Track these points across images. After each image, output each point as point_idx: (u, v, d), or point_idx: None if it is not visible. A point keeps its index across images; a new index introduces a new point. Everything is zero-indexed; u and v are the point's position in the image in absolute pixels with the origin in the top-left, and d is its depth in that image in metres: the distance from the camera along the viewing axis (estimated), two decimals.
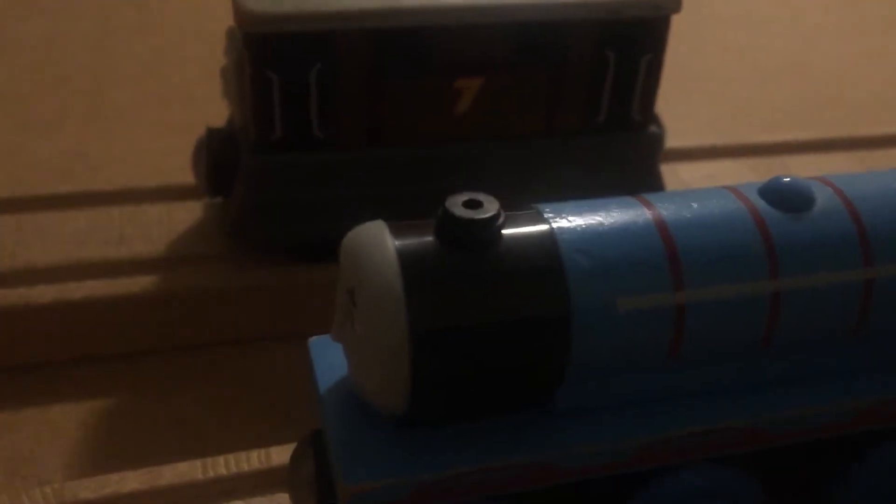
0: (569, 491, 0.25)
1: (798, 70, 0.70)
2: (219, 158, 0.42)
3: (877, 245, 0.25)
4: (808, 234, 0.24)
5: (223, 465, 0.31)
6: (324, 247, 0.37)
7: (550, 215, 0.23)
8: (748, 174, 0.52)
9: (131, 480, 0.30)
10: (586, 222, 0.23)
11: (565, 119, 0.42)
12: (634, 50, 0.41)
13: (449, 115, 0.40)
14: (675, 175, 0.50)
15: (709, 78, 0.68)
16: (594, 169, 0.42)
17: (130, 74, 0.63)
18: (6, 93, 0.59)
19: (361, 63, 0.38)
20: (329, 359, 0.26)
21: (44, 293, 0.39)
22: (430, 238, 0.22)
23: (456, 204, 0.22)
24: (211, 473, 0.31)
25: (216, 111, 0.45)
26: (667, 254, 0.23)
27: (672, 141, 0.48)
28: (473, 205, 0.22)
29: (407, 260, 0.22)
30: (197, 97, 0.59)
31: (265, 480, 0.31)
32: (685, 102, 0.62)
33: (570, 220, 0.23)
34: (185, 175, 0.45)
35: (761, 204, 0.24)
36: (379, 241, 0.22)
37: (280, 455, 0.31)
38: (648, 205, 0.24)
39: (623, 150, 0.43)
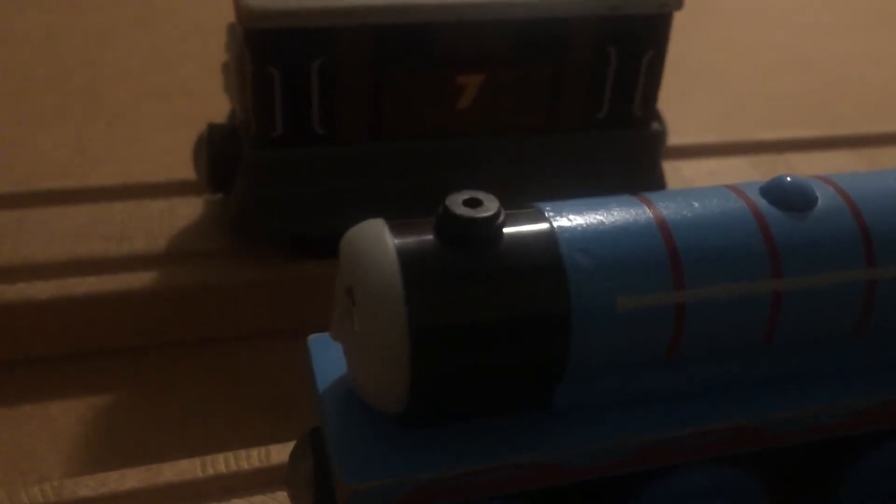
0: (569, 491, 0.24)
1: (801, 67, 0.70)
2: (220, 154, 0.42)
3: (879, 245, 0.24)
4: (810, 233, 0.24)
5: (223, 463, 0.31)
6: (325, 242, 0.37)
7: (551, 214, 0.23)
8: (750, 171, 0.52)
9: (131, 478, 0.30)
10: (587, 221, 0.23)
11: (567, 115, 0.41)
12: (636, 47, 0.40)
13: (450, 111, 0.40)
14: (677, 172, 0.50)
15: (711, 75, 0.68)
16: (596, 166, 0.42)
17: (131, 69, 0.62)
18: (7, 87, 0.59)
19: (363, 59, 0.38)
20: (328, 357, 0.26)
21: (44, 289, 0.39)
22: (429, 237, 0.22)
23: (456, 202, 0.22)
24: (210, 471, 0.31)
25: (217, 106, 0.45)
26: (667, 253, 0.23)
27: (674, 138, 0.47)
28: (474, 203, 0.22)
29: (406, 258, 0.22)
30: (198, 92, 0.59)
31: (265, 478, 0.31)
32: (687, 99, 0.62)
33: (570, 219, 0.23)
34: (186, 171, 0.45)
35: (763, 203, 0.24)
36: (378, 240, 0.22)
37: (280, 453, 0.31)
38: (649, 204, 0.24)
39: (625, 147, 0.43)
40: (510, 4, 0.38)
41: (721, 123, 0.61)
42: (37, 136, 0.54)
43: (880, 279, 0.24)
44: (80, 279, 0.39)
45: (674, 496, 0.25)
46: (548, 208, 0.24)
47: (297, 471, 0.25)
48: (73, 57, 0.63)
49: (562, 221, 0.23)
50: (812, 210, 0.24)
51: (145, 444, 0.36)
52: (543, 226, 0.23)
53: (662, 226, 0.23)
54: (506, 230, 0.23)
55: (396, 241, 0.22)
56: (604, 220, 0.23)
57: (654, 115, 0.43)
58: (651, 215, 0.24)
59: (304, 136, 0.39)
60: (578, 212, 0.23)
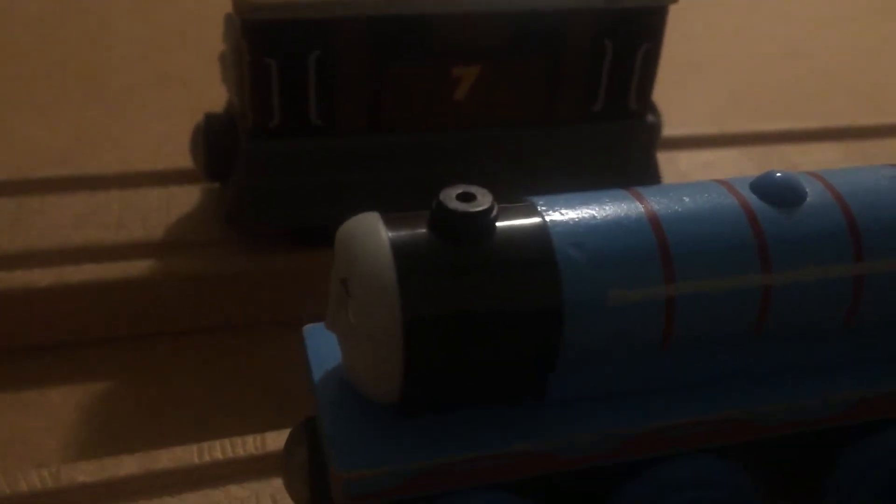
0: (561, 480, 0.25)
1: (797, 58, 0.70)
2: (217, 143, 0.42)
3: (867, 240, 0.25)
4: (799, 228, 0.24)
5: (219, 450, 0.31)
6: (321, 232, 0.38)
7: (544, 208, 0.24)
8: (746, 163, 0.52)
9: (128, 464, 0.31)
10: (579, 215, 0.23)
11: (563, 107, 0.42)
12: (632, 39, 0.41)
13: (447, 103, 0.40)
14: (672, 164, 0.50)
15: (707, 66, 0.68)
16: (591, 157, 0.43)
17: (130, 58, 0.62)
18: (5, 75, 0.59)
19: (360, 50, 0.38)
20: (324, 346, 0.26)
21: (42, 277, 0.39)
22: (423, 230, 0.23)
23: (450, 196, 0.23)
24: (207, 458, 0.31)
25: (215, 96, 0.45)
26: (658, 247, 0.23)
27: (669, 129, 0.48)
28: (467, 197, 0.23)
29: (400, 251, 0.22)
30: (196, 81, 0.59)
31: (261, 466, 0.31)
32: (683, 91, 0.62)
33: (563, 214, 0.23)
34: (183, 160, 0.45)
35: (753, 198, 0.25)
36: (373, 233, 0.22)
37: (276, 440, 0.31)
38: (641, 198, 0.24)
39: (620, 139, 0.43)
40: None
41: (716, 115, 0.61)
42: (34, 124, 0.54)
43: (868, 274, 0.25)
44: (77, 267, 0.40)
45: (664, 487, 0.25)
46: (541, 202, 0.24)
47: (291, 460, 0.25)
48: (71, 45, 0.63)
49: (554, 216, 0.23)
50: (801, 205, 0.25)
51: (142, 430, 0.36)
52: (536, 220, 0.23)
53: (654, 220, 0.24)
54: (499, 224, 0.23)
55: (391, 234, 0.22)
56: (596, 214, 0.24)
57: (650, 107, 0.43)
58: (642, 210, 0.24)
59: (300, 127, 0.39)
60: (571, 206, 0.24)
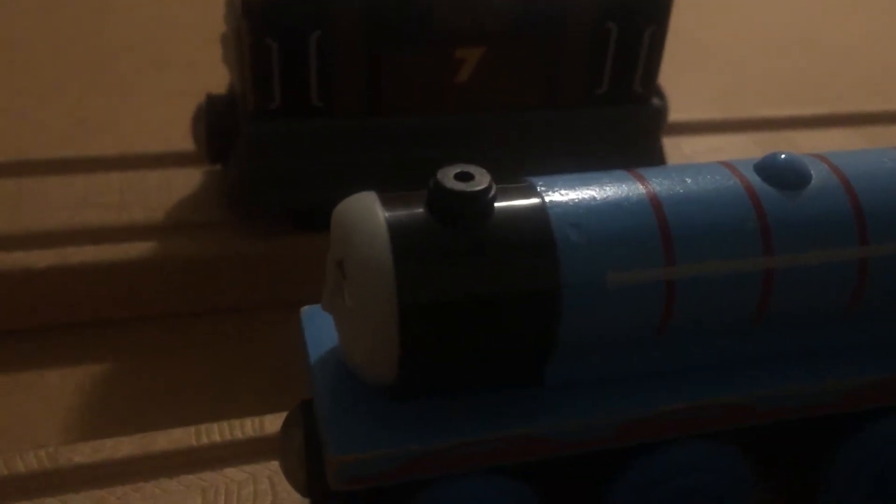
0: (558, 464, 0.25)
1: (804, 44, 0.70)
2: (218, 125, 0.42)
3: (872, 223, 0.24)
4: (804, 211, 0.24)
5: (217, 432, 0.31)
6: (321, 215, 0.37)
7: (543, 189, 0.23)
8: (752, 148, 0.52)
9: (126, 445, 0.31)
10: (579, 196, 0.23)
11: (567, 90, 0.41)
12: (637, 22, 0.40)
13: (449, 85, 0.40)
14: (677, 148, 0.50)
15: (713, 51, 0.67)
16: (595, 141, 0.42)
17: (131, 40, 0.62)
18: (7, 57, 0.59)
19: (360, 31, 0.38)
20: (321, 328, 0.26)
21: (42, 258, 0.39)
22: (420, 210, 0.22)
23: (447, 176, 0.22)
24: (205, 440, 0.31)
25: (217, 77, 0.45)
26: (659, 229, 0.23)
27: (675, 114, 0.47)
28: (465, 177, 0.22)
29: (397, 231, 0.22)
30: (198, 63, 0.59)
31: (259, 448, 0.31)
32: (689, 75, 0.62)
33: (562, 194, 0.23)
34: (185, 141, 0.45)
35: (757, 180, 0.24)
36: (369, 213, 0.22)
37: (274, 423, 0.31)
38: (642, 179, 0.24)
39: (625, 123, 0.42)
40: None
41: (723, 100, 0.61)
42: (36, 106, 0.54)
43: (873, 257, 0.24)
44: (77, 248, 0.40)
45: (663, 471, 0.25)
46: (540, 183, 0.24)
47: (288, 442, 0.25)
48: (73, 27, 0.63)
49: (553, 196, 0.23)
50: (806, 187, 0.24)
51: (140, 412, 0.36)
52: (535, 200, 0.23)
53: (654, 202, 0.23)
54: (497, 204, 0.23)
55: (387, 214, 0.22)
56: (595, 195, 0.23)
57: (655, 91, 0.43)
58: (643, 191, 0.23)
59: (301, 109, 0.39)
60: (570, 187, 0.23)
